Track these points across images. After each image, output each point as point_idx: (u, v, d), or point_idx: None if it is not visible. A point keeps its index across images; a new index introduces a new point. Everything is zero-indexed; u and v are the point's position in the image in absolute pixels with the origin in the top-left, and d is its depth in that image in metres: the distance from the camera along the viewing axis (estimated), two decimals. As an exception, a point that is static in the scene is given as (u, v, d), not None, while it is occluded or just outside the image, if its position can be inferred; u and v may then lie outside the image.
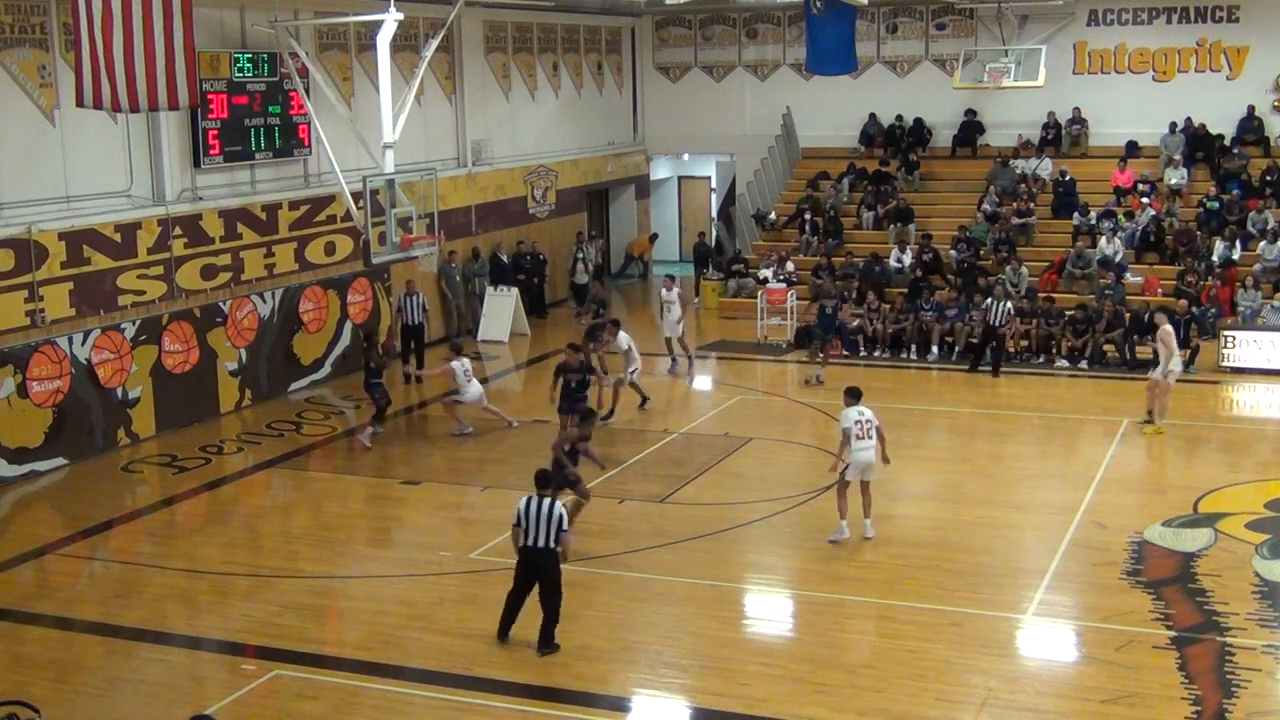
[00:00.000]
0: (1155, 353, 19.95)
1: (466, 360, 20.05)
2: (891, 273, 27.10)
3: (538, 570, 12.14)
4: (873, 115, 31.57)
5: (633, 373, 20.37)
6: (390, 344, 22.20)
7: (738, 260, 29.52)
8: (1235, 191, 27.45)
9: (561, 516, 12.05)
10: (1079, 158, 29.72)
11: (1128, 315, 23.35)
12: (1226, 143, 28.47)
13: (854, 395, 15.02)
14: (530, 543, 12.06)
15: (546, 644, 12.18)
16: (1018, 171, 29.45)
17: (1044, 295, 25.12)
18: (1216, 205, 27.11)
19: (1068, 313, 23.71)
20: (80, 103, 14.37)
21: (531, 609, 12.28)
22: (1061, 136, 29.98)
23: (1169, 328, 19.63)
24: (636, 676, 11.86)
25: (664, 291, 23.21)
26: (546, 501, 12.09)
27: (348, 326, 23.46)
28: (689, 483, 17.16)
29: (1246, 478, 17.19)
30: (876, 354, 24.33)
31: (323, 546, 15.39)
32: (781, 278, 26.82)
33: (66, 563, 15.05)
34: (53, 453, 18.27)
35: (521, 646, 12.34)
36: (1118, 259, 26.08)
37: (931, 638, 12.37)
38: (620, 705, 11.44)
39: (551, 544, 12.02)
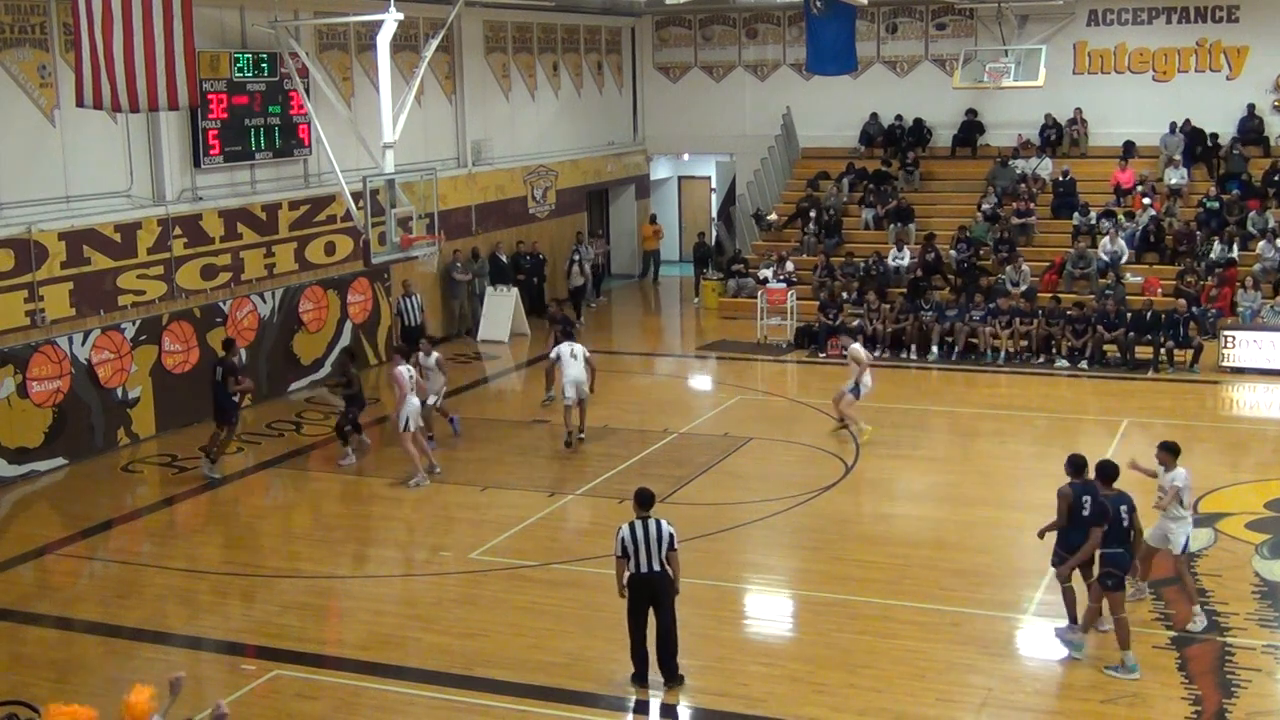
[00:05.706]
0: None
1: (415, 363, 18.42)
2: (891, 273, 27.13)
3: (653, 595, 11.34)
4: (873, 115, 31.54)
5: (434, 400, 18.50)
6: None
7: (738, 260, 29.52)
8: (1235, 191, 27.44)
9: (671, 536, 11.28)
10: (1079, 158, 29.70)
11: (1128, 315, 23.36)
12: (1226, 142, 28.45)
13: (1174, 452, 12.51)
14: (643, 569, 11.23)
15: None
16: (1018, 171, 29.43)
17: (1050, 296, 25.07)
18: (1216, 205, 27.10)
19: (1068, 312, 23.72)
20: (80, 103, 14.38)
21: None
22: (1062, 136, 29.98)
23: (859, 346, 19.21)
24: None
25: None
26: (652, 523, 11.30)
27: (348, 326, 23.46)
28: (689, 483, 17.15)
29: (1246, 478, 17.18)
30: (876, 354, 24.32)
31: (323, 546, 15.38)
32: (781, 278, 26.82)
33: (66, 563, 15.05)
34: (53, 453, 18.27)
35: (522, 646, 12.35)
36: (1116, 258, 26.08)
37: (931, 638, 12.36)
38: (620, 705, 11.43)
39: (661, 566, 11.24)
